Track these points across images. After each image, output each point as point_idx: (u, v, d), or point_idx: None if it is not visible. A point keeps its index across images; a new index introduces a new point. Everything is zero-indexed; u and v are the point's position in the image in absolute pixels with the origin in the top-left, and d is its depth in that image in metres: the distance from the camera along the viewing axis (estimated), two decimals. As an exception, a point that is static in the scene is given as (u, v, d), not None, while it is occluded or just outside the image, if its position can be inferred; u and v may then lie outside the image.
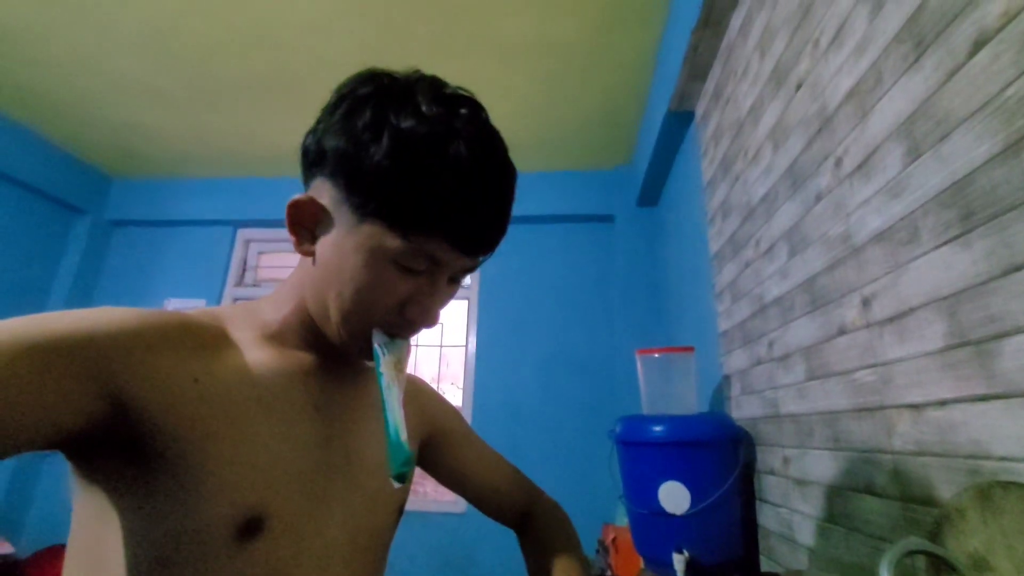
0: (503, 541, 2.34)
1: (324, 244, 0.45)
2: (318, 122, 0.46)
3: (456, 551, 2.34)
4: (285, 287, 0.51)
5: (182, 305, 2.86)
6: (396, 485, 0.41)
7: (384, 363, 0.44)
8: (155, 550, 0.39)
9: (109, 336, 0.37)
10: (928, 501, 0.64)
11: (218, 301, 2.87)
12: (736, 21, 1.39)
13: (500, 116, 2.29)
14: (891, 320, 0.72)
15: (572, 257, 2.75)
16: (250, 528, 0.41)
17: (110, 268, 2.98)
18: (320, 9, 1.78)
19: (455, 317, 2.83)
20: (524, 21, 1.81)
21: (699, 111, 1.78)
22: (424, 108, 0.42)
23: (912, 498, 0.67)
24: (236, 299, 2.92)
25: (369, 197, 0.41)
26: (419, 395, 0.67)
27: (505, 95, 2.20)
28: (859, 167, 0.79)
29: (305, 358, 0.50)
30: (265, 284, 2.98)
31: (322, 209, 0.45)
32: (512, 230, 2.24)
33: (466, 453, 0.70)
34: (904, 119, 0.68)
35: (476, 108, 0.45)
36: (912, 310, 0.67)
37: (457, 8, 1.76)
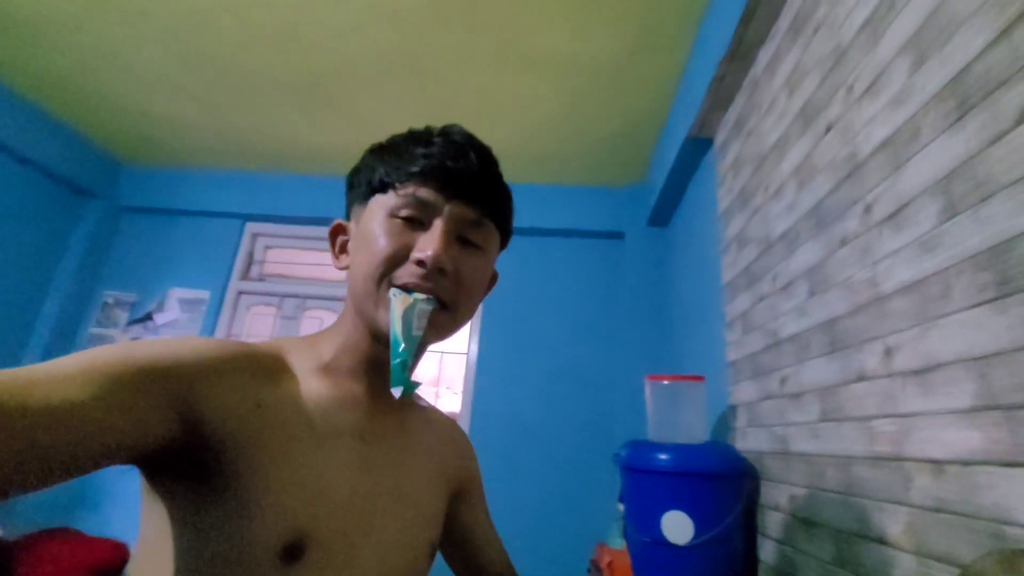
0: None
1: (351, 247, 0.55)
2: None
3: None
4: (337, 320, 0.56)
5: (185, 294, 2.85)
6: (396, 394, 0.44)
7: (394, 301, 0.47)
8: (205, 567, 0.41)
9: (192, 363, 0.41)
10: (945, 559, 0.65)
11: (223, 293, 2.86)
12: (764, 56, 1.41)
13: (519, 128, 2.30)
14: (915, 373, 0.72)
15: (580, 272, 2.75)
16: (293, 552, 0.43)
17: (117, 254, 2.97)
18: (349, 13, 1.78)
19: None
20: (553, 37, 1.82)
21: (719, 140, 1.79)
22: (412, 129, 0.55)
23: (929, 554, 0.67)
24: (240, 292, 2.91)
25: (369, 182, 0.53)
26: (460, 442, 0.69)
27: (525, 107, 2.22)
28: (890, 217, 0.80)
29: (355, 389, 0.53)
30: (271, 279, 2.98)
31: (344, 225, 0.57)
32: (521, 241, 2.26)
33: (479, 516, 0.70)
34: (942, 176, 0.69)
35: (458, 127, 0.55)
36: (939, 366, 0.68)
37: (487, 20, 1.77)
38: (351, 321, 0.53)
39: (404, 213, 0.50)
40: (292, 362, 0.51)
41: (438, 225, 0.50)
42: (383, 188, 0.51)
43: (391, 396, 0.55)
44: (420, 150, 0.51)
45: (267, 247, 3.07)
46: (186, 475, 0.42)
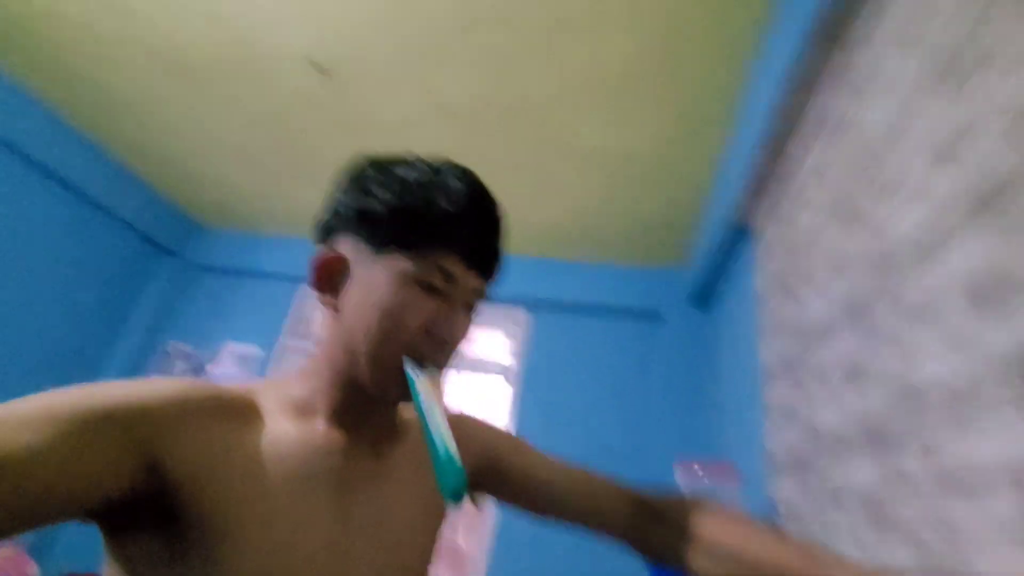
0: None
1: (349, 289, 0.49)
2: (329, 201, 0.53)
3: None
4: (311, 361, 0.53)
5: (239, 349, 3.02)
6: (452, 506, 0.40)
7: (420, 383, 0.46)
8: None
9: (156, 406, 0.40)
10: None
11: (272, 349, 3.00)
12: (798, 148, 1.46)
13: (562, 210, 2.40)
14: (955, 478, 0.69)
15: (618, 351, 2.74)
16: None
17: (182, 308, 3.21)
18: (414, 107, 2.01)
19: (497, 400, 2.83)
20: (598, 130, 1.97)
21: (757, 226, 1.82)
22: (417, 164, 0.51)
23: None
24: (287, 348, 3.05)
25: (385, 231, 0.47)
26: (461, 425, 0.60)
27: (568, 192, 2.34)
28: (919, 311, 0.80)
29: (331, 431, 0.50)
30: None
31: (344, 260, 0.49)
32: (558, 317, 2.29)
33: (528, 466, 0.63)
34: (968, 273, 0.70)
35: (453, 162, 0.53)
36: (976, 470, 0.65)
37: (538, 116, 1.95)
38: (331, 366, 0.50)
39: (429, 281, 0.47)
40: (263, 405, 0.48)
41: (459, 302, 0.49)
42: (402, 245, 0.47)
43: (368, 437, 0.53)
44: (445, 206, 0.47)
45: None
46: (152, 529, 0.40)
